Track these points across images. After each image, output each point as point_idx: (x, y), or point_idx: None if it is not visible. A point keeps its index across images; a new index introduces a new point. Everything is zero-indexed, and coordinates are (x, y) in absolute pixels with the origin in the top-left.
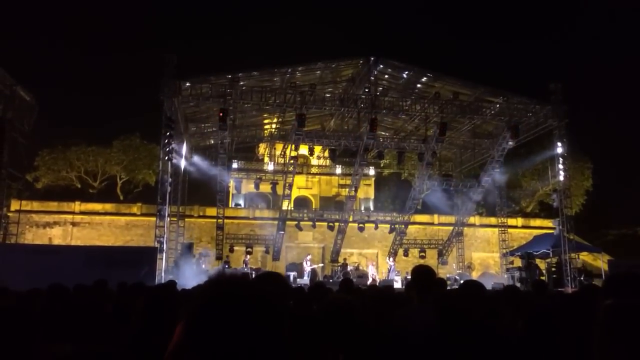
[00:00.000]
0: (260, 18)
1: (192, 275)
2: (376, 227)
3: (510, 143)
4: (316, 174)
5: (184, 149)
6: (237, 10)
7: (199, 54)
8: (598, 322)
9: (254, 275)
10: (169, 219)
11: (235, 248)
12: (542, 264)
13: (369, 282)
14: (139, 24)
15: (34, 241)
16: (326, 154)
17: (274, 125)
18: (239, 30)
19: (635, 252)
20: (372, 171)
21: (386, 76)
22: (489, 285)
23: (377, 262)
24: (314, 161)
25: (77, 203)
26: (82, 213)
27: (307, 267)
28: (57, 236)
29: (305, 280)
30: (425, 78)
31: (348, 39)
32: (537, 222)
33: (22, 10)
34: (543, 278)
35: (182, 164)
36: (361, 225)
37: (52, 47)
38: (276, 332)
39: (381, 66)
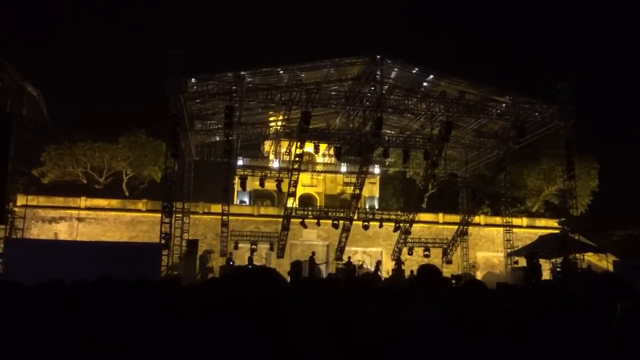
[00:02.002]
0: (264, 27)
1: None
2: (381, 226)
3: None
4: (321, 171)
5: (190, 146)
6: (239, 19)
7: (202, 61)
8: (616, 322)
9: None
10: (174, 215)
11: (240, 245)
12: (547, 264)
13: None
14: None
15: (39, 236)
16: (331, 151)
17: (279, 123)
18: (243, 39)
19: None
20: (377, 169)
21: (392, 75)
22: (492, 285)
23: (382, 260)
24: (319, 159)
25: (83, 198)
26: (87, 209)
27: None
28: (62, 231)
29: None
30: (431, 77)
31: (353, 42)
32: (543, 222)
33: (23, 9)
34: (546, 279)
35: (188, 160)
36: (366, 223)
37: (58, 46)
38: (278, 331)
39: (387, 64)
